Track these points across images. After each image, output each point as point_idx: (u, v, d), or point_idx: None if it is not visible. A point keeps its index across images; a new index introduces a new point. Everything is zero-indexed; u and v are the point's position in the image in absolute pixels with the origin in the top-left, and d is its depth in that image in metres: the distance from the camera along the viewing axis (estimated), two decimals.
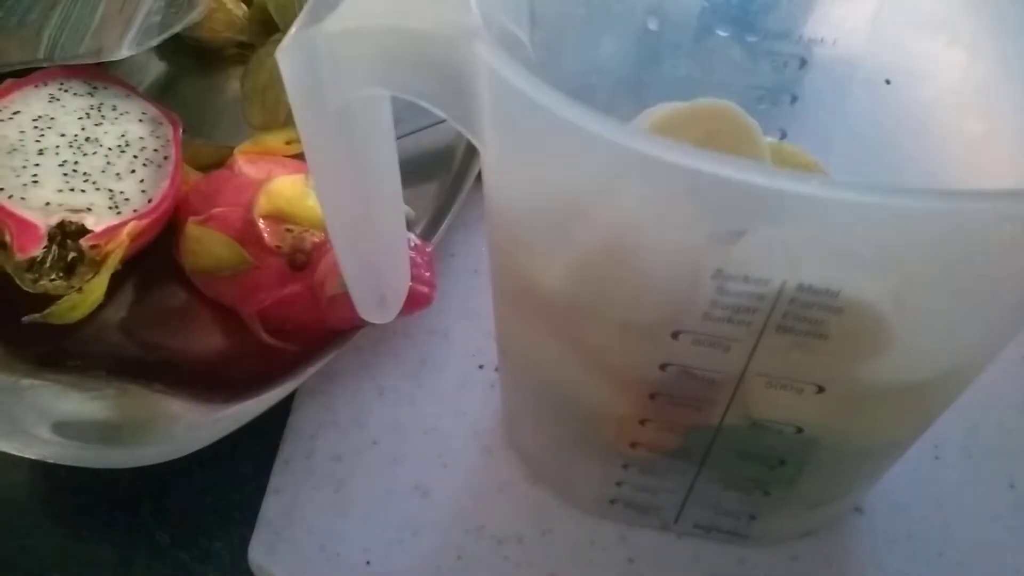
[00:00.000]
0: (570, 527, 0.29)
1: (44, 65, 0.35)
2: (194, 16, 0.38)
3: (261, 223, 0.31)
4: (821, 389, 0.20)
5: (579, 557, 0.29)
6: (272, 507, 0.30)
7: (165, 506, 0.31)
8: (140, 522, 0.31)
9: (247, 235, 0.31)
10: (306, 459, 0.31)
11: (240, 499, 0.31)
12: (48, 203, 0.31)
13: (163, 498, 0.31)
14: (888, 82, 0.26)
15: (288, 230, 0.31)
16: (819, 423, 0.22)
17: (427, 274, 0.32)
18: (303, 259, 0.31)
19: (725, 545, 0.29)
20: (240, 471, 0.32)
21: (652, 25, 0.27)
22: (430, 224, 0.36)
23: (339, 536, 0.29)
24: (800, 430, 0.22)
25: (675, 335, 0.20)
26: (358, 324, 0.32)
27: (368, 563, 0.29)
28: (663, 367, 0.21)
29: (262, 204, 0.31)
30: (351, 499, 0.30)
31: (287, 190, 0.32)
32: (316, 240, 0.31)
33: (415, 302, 0.29)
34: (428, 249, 0.33)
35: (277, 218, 0.31)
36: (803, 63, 0.27)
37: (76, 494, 0.32)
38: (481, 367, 0.34)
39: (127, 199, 0.32)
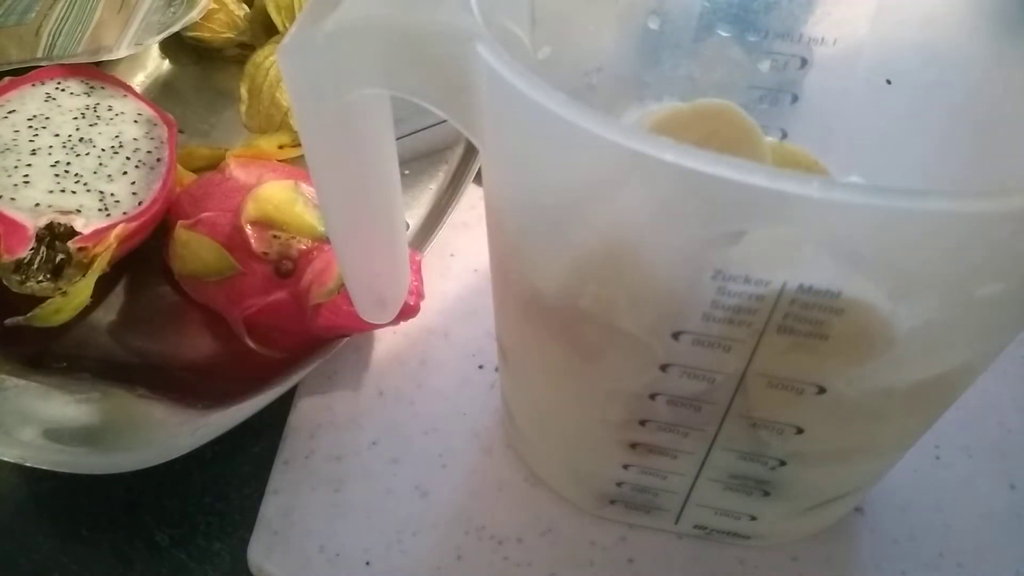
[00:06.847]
0: (570, 527, 0.29)
1: (43, 64, 0.35)
2: (193, 16, 0.38)
3: (248, 229, 0.31)
4: (822, 390, 0.20)
5: (579, 557, 0.29)
6: (271, 507, 0.30)
7: (165, 506, 0.31)
8: (140, 523, 0.31)
9: (234, 240, 0.31)
10: (305, 459, 0.31)
11: (240, 499, 0.31)
12: (38, 204, 0.31)
13: (163, 498, 0.31)
14: (888, 82, 0.26)
15: (275, 237, 0.31)
16: (820, 423, 0.22)
17: (414, 283, 0.31)
18: (289, 266, 0.31)
19: (725, 546, 0.29)
20: (240, 471, 0.32)
21: (653, 25, 0.27)
22: (428, 224, 0.36)
23: (339, 536, 0.29)
24: (800, 430, 0.22)
25: (675, 335, 0.20)
26: (342, 333, 0.32)
27: (368, 563, 0.29)
28: (663, 367, 0.21)
29: (250, 210, 0.31)
30: (351, 499, 0.30)
31: (275, 196, 0.31)
32: (302, 247, 0.31)
33: (402, 312, 0.29)
34: (417, 258, 0.32)
35: (264, 224, 0.31)
36: (804, 63, 0.27)
37: (76, 494, 0.32)
38: (481, 367, 0.33)
39: (117, 201, 0.32)
